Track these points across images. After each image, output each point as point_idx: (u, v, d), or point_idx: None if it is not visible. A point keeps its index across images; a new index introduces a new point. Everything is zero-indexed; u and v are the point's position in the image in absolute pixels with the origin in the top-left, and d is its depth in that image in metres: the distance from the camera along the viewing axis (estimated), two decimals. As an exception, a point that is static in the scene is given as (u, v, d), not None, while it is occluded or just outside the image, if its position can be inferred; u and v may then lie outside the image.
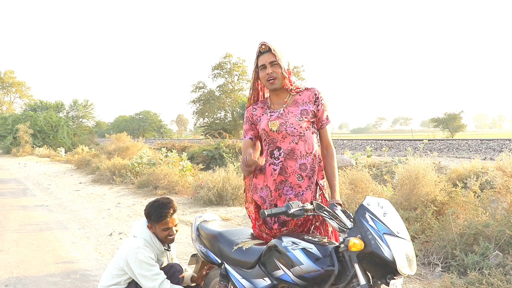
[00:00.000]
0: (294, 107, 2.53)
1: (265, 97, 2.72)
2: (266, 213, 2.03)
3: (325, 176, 2.59)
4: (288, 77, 2.54)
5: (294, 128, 2.46)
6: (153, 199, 3.08)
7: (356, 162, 9.62)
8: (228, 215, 6.84)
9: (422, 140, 18.71)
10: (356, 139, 25.71)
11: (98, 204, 8.76)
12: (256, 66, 2.56)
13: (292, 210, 2.02)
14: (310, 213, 2.09)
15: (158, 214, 2.89)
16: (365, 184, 5.83)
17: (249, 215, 2.68)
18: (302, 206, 2.05)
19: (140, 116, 67.09)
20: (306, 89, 2.60)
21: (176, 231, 2.99)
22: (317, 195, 2.56)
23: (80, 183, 12.37)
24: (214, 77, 50.71)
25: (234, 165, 10.49)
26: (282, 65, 2.48)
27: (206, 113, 51.87)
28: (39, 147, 30.53)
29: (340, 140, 25.78)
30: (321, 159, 2.59)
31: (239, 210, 7.11)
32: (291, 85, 2.57)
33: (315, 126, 2.58)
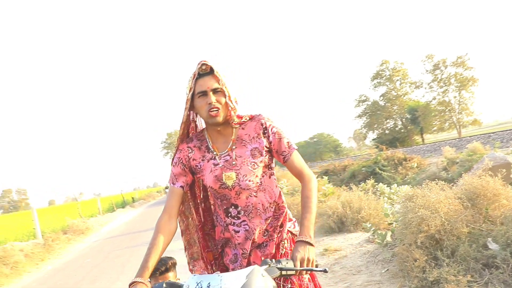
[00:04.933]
0: (241, 148, 1.93)
1: (199, 129, 2.10)
2: None
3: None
4: (235, 107, 1.90)
5: (250, 181, 1.91)
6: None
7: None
8: (343, 244, 6.18)
9: None
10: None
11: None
12: (192, 92, 1.89)
13: None
14: None
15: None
16: (491, 192, 4.60)
17: None
18: None
19: (315, 140, 67.77)
20: (250, 118, 1.99)
21: None
22: (284, 242, 2.01)
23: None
24: (374, 87, 48.91)
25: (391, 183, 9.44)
26: (227, 92, 1.88)
27: (375, 125, 50.05)
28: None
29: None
30: (283, 200, 2.05)
31: (356, 236, 6.37)
32: (236, 117, 1.93)
33: (272, 166, 2.02)
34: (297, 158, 1.98)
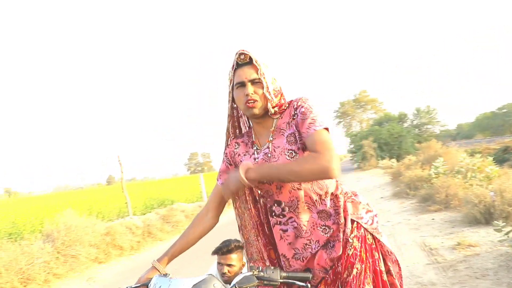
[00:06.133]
0: (279, 138, 1.79)
1: (250, 126, 1.99)
2: None
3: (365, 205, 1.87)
4: (273, 99, 1.78)
5: None
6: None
7: None
8: (483, 239, 5.40)
9: None
10: None
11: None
12: (232, 83, 1.82)
13: None
14: None
15: (216, 248, 2.77)
16: None
17: None
18: None
19: (504, 111, 58.93)
20: (289, 104, 1.84)
21: (229, 272, 2.70)
22: (351, 236, 1.75)
23: (382, 197, 12.34)
24: None
25: None
26: (266, 83, 1.76)
27: None
28: (383, 159, 32.17)
29: None
30: (352, 193, 1.86)
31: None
32: (278, 106, 1.81)
33: None
34: (312, 138, 1.67)
